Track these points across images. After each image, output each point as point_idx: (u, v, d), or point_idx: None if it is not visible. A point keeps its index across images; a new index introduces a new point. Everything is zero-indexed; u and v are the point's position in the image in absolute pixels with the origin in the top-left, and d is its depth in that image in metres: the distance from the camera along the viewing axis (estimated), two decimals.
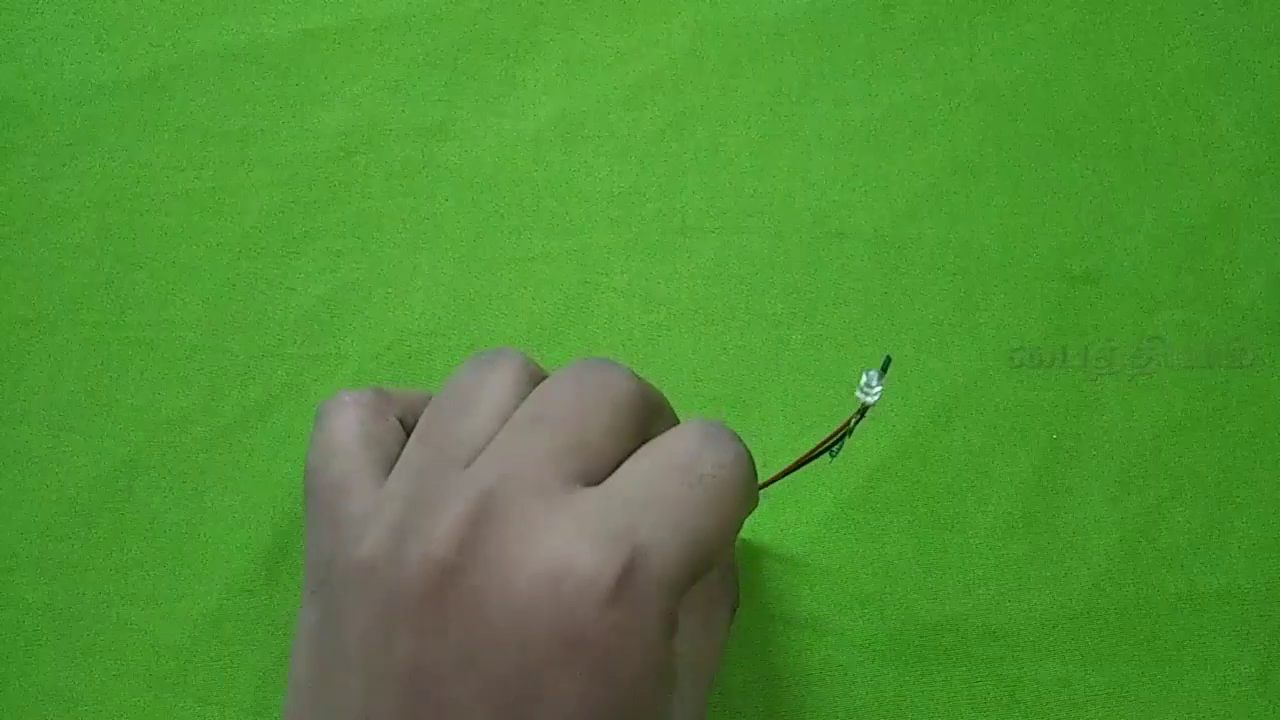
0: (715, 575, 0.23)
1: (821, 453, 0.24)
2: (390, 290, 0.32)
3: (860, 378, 0.23)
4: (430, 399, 0.24)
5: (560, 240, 0.33)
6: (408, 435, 0.24)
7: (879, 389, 0.23)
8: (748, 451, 0.21)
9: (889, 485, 0.30)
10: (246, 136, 0.34)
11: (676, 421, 0.23)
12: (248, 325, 0.32)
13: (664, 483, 0.19)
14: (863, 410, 0.23)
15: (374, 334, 0.32)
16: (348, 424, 0.23)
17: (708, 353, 0.32)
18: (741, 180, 0.33)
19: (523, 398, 0.21)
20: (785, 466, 0.24)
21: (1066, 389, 0.31)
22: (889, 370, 0.23)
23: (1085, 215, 0.33)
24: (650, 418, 0.21)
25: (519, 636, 0.17)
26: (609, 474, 0.20)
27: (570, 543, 0.17)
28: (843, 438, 0.24)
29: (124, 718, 0.27)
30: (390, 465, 0.22)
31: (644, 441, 0.21)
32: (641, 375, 0.22)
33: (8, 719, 0.27)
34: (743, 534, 0.29)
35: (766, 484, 0.25)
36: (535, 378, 0.22)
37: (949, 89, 0.35)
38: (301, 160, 0.33)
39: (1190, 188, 0.34)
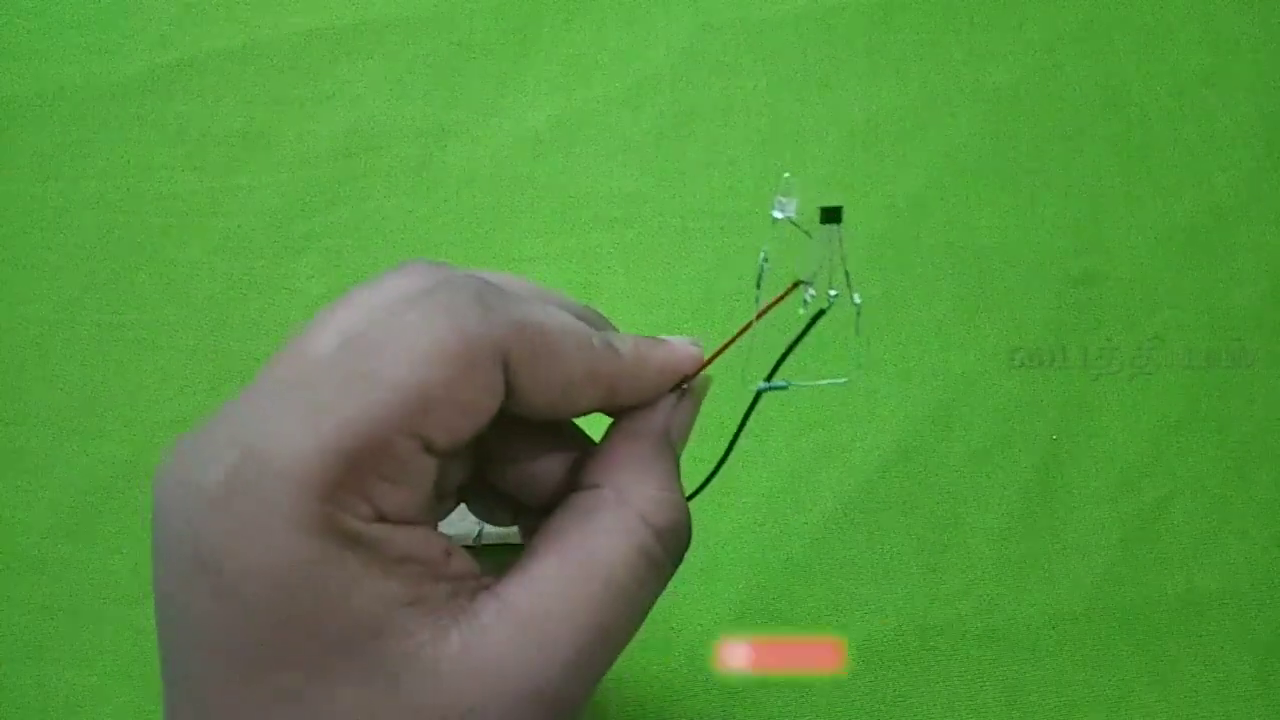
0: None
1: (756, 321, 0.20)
2: None
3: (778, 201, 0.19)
4: None
5: (560, 240, 0.33)
6: None
7: (790, 207, 0.20)
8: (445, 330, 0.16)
9: (889, 485, 0.30)
10: (246, 136, 0.34)
11: None
12: (248, 325, 0.32)
13: (280, 371, 0.16)
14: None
15: None
16: None
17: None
18: (741, 180, 0.33)
19: None
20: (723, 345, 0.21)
21: (1066, 389, 0.31)
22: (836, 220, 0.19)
23: (1085, 215, 0.33)
24: None
25: (165, 558, 0.16)
26: None
27: (197, 455, 0.16)
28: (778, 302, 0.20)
29: (124, 718, 0.27)
30: None
31: None
32: None
33: (10, 719, 0.28)
34: (741, 534, 0.30)
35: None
36: None
37: (949, 89, 0.35)
38: (301, 160, 0.33)
39: (1190, 188, 0.34)
